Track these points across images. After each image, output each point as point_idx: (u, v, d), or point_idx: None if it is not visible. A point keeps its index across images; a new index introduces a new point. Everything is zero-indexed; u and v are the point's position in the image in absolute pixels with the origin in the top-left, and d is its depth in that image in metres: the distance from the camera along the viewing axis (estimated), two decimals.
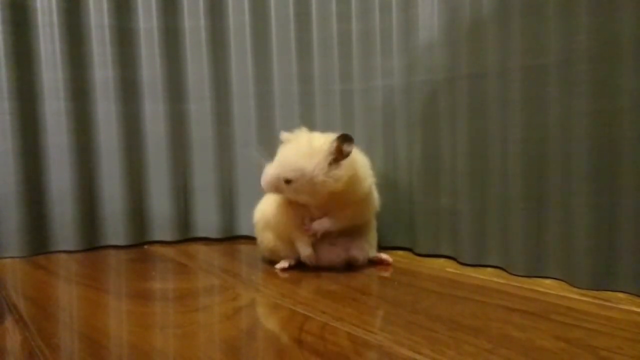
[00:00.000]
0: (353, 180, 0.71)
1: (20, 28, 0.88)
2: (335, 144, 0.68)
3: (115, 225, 0.95)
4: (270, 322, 0.57)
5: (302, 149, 0.70)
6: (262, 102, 0.96)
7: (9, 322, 0.55)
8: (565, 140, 0.63)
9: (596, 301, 0.57)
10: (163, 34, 0.95)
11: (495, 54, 0.70)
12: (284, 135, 0.75)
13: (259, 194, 0.88)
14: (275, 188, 0.71)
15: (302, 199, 0.71)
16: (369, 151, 0.88)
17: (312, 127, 0.93)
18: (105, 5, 0.92)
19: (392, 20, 0.83)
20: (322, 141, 0.70)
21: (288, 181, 0.69)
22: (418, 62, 0.80)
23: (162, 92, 0.96)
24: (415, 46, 0.81)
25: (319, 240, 0.74)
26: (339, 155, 0.68)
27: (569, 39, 0.61)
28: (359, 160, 0.74)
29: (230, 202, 0.99)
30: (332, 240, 0.74)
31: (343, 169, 0.69)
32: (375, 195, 0.78)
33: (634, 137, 0.57)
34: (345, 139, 0.68)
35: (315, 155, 0.68)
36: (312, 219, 0.73)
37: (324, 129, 0.92)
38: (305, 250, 0.74)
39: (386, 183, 0.87)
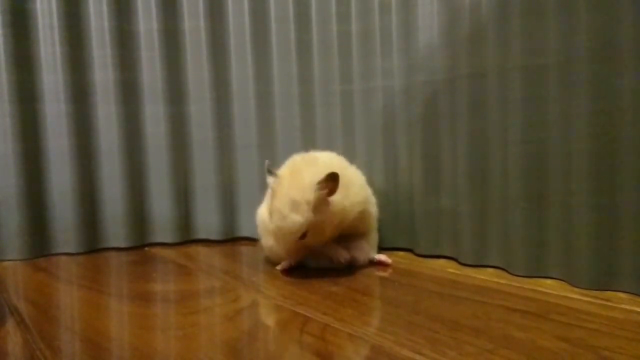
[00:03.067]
0: (347, 203, 0.70)
1: (21, 31, 0.88)
2: (323, 192, 0.66)
3: (115, 227, 0.95)
4: (271, 324, 0.57)
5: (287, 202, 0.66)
6: (262, 103, 0.96)
7: (10, 325, 0.55)
8: (565, 140, 0.63)
9: (597, 301, 0.57)
10: (163, 35, 0.95)
11: (495, 54, 0.70)
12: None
13: (259, 195, 0.88)
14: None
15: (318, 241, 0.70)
16: (369, 152, 0.89)
17: (312, 127, 0.94)
18: (105, 8, 0.92)
19: (392, 21, 0.83)
20: (304, 191, 0.66)
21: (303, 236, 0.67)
22: (418, 63, 0.80)
23: (162, 94, 0.96)
24: (415, 46, 0.81)
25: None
26: (330, 193, 0.67)
27: (569, 39, 0.61)
28: (352, 182, 0.73)
29: (230, 204, 0.99)
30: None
31: (335, 200, 0.68)
32: (373, 201, 0.80)
33: (634, 137, 0.57)
34: (328, 180, 0.66)
35: (302, 209, 0.65)
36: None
37: (324, 129, 0.93)
38: (334, 256, 0.73)
39: (386, 184, 0.87)
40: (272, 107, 0.96)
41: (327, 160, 0.74)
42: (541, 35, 0.64)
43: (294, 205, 0.65)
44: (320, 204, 0.66)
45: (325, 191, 0.66)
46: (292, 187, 0.67)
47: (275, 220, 0.67)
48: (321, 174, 0.66)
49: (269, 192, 0.78)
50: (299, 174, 0.68)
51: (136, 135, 0.96)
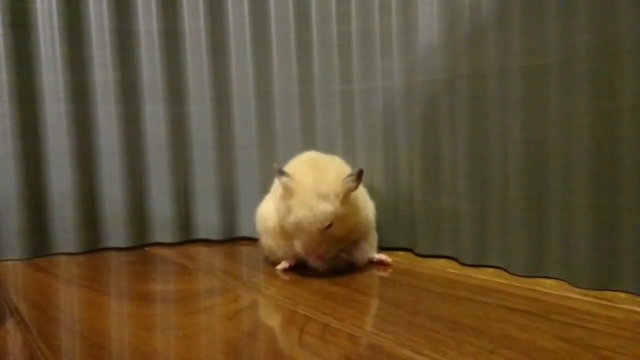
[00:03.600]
0: (359, 195, 0.74)
1: (21, 31, 0.88)
2: (352, 184, 0.69)
3: (115, 227, 0.95)
4: (271, 324, 0.57)
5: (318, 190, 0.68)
6: (262, 103, 0.96)
7: (10, 325, 0.55)
8: (565, 140, 0.63)
9: (597, 301, 0.57)
10: (163, 35, 0.95)
11: (495, 54, 0.70)
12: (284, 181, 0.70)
13: (259, 195, 0.88)
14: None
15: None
16: (369, 152, 0.89)
17: (312, 127, 0.94)
18: (105, 7, 0.92)
19: (392, 21, 0.83)
20: (333, 184, 0.68)
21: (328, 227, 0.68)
22: (418, 63, 0.80)
23: (162, 94, 0.96)
24: (415, 46, 0.81)
25: None
26: (355, 187, 0.71)
27: (569, 39, 0.61)
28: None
29: (230, 204, 0.99)
30: None
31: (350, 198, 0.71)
32: (371, 206, 0.80)
33: (634, 137, 0.57)
34: (359, 175, 0.70)
35: (331, 199, 0.67)
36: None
37: (324, 129, 0.93)
38: (315, 262, 0.72)
39: (386, 183, 0.87)
40: (272, 107, 0.96)
41: (336, 158, 0.79)
42: (541, 35, 0.64)
43: (323, 196, 0.67)
44: (346, 197, 0.69)
45: (354, 184, 0.70)
46: (318, 182, 0.68)
47: (300, 212, 0.67)
48: (342, 169, 0.73)
49: (273, 191, 0.78)
50: (324, 170, 0.71)
51: (136, 135, 0.96)
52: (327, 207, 0.66)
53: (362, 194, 0.78)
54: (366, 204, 0.79)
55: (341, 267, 0.73)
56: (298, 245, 0.69)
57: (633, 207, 0.57)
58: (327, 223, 0.67)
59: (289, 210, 0.68)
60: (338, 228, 0.69)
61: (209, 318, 0.57)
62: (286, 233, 0.72)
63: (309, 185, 0.68)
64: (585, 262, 0.61)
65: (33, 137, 0.90)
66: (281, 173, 0.70)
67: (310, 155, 0.80)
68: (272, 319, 0.58)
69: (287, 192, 0.69)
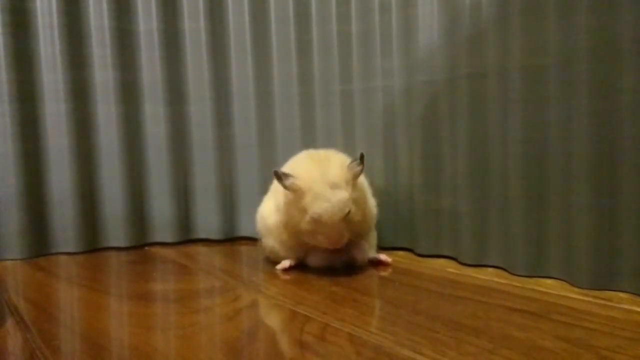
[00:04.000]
0: (365, 183, 0.76)
1: (21, 30, 0.88)
2: (357, 168, 0.70)
3: (115, 227, 0.95)
4: (271, 323, 0.57)
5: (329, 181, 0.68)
6: (262, 103, 0.96)
7: (9, 324, 0.55)
8: (565, 140, 0.63)
9: (597, 301, 0.57)
10: (163, 35, 0.95)
11: (495, 54, 0.70)
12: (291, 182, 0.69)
13: (259, 195, 0.88)
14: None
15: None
16: (369, 152, 0.88)
17: (312, 127, 0.94)
18: (105, 7, 0.92)
19: (392, 21, 0.83)
20: (340, 172, 0.69)
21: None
22: (418, 63, 0.80)
23: (162, 94, 0.96)
24: (415, 46, 0.81)
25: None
26: (360, 172, 0.71)
27: (569, 39, 0.61)
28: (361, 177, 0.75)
29: (230, 203, 0.99)
30: None
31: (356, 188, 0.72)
32: (373, 202, 0.80)
33: (634, 137, 0.57)
34: (361, 159, 0.70)
35: (344, 187, 0.68)
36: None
37: (324, 129, 0.93)
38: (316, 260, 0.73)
39: (386, 183, 0.87)
40: (272, 107, 0.96)
41: (332, 150, 0.78)
42: (541, 35, 0.64)
43: (335, 186, 0.67)
44: (355, 182, 0.70)
45: (359, 168, 0.70)
46: (325, 174, 0.68)
47: (318, 206, 0.66)
48: (343, 157, 0.73)
49: (273, 191, 0.78)
50: (326, 160, 0.71)
51: (136, 135, 0.96)
52: (343, 195, 0.67)
53: (364, 185, 0.78)
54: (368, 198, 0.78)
55: (341, 267, 0.73)
56: (320, 241, 0.69)
57: (633, 207, 0.57)
58: (347, 211, 0.67)
59: (303, 210, 0.67)
60: (355, 213, 0.69)
61: (209, 318, 0.57)
62: (303, 234, 0.70)
63: (319, 179, 0.67)
64: (585, 262, 0.61)
65: (33, 137, 0.90)
66: (284, 176, 0.69)
67: (308, 152, 0.80)
68: (272, 319, 0.58)
69: (297, 193, 0.68)
